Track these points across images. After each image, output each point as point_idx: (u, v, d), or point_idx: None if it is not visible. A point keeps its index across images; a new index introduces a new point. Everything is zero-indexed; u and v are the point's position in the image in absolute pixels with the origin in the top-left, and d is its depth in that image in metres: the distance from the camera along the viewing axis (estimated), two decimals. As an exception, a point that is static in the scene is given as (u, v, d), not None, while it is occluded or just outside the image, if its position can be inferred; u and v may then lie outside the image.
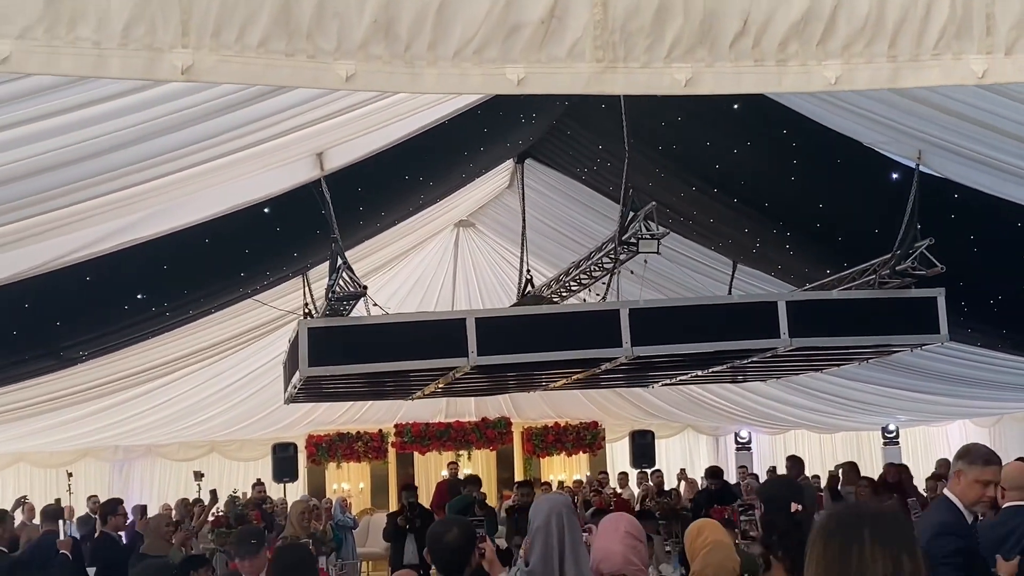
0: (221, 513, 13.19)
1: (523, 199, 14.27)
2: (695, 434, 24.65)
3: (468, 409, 22.61)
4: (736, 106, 10.83)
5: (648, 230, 10.06)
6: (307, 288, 13.63)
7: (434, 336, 10.16)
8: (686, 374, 13.28)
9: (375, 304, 10.68)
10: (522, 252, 14.24)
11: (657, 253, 10.32)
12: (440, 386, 11.96)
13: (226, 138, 8.35)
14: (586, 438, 23.44)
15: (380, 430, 22.59)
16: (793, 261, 13.26)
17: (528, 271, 14.22)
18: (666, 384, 15.53)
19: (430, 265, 18.57)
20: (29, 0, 2.41)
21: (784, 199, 11.90)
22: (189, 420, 19.83)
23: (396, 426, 22.56)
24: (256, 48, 2.50)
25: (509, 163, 14.63)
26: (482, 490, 15.44)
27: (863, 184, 11.11)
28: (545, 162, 14.22)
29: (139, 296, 10.77)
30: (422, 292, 18.56)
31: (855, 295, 10.64)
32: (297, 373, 10.06)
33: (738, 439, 24.08)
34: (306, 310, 13.58)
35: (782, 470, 21.86)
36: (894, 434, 23.22)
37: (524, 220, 14.29)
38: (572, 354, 10.37)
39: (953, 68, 2.60)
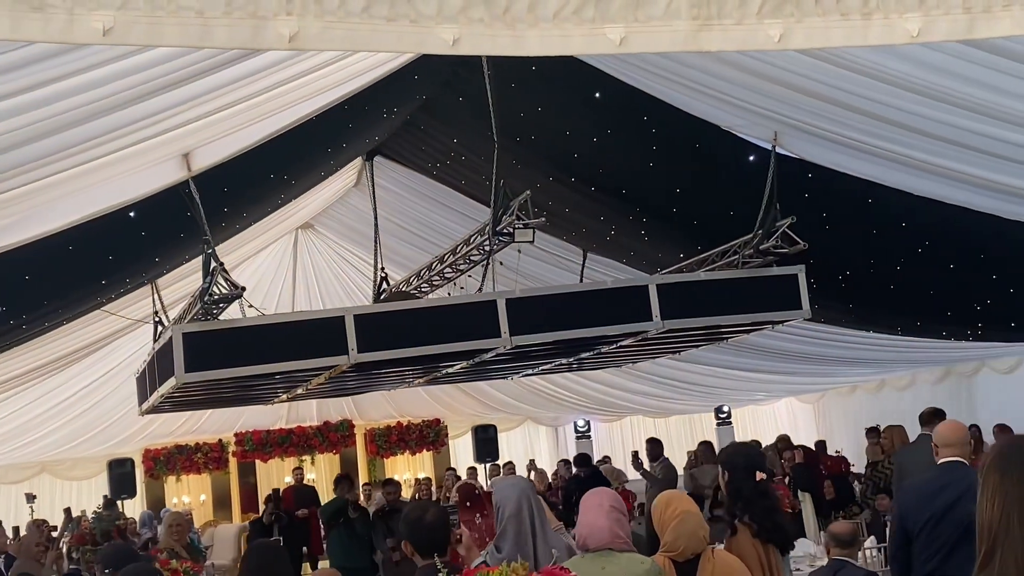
0: (75, 533, 12.71)
1: (374, 197, 14.16)
2: (535, 426, 24.91)
3: (309, 414, 22.34)
4: (598, 95, 11.02)
5: (522, 220, 10.10)
6: (156, 295, 13.27)
7: (313, 335, 9.98)
8: (556, 362, 13.41)
9: (250, 305, 10.44)
10: (376, 250, 14.13)
11: (531, 243, 10.39)
12: (317, 384, 11.77)
13: (90, 145, 8.06)
14: (429, 436, 23.46)
15: (220, 440, 22.11)
16: (647, 247, 13.54)
17: (383, 269, 14.12)
18: (539, 373, 15.66)
19: (269, 269, 18.27)
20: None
21: (641, 185, 12.13)
22: (18, 441, 19.05)
23: (236, 435, 22.13)
24: (360, 14, 2.43)
25: (356, 161, 14.49)
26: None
27: (720, 167, 11.42)
28: (394, 158, 14.12)
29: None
30: (260, 298, 18.24)
31: (721, 275, 10.92)
32: (172, 380, 9.72)
33: (577, 428, 24.44)
34: (155, 318, 13.24)
35: (620, 458, 22.49)
36: (727, 414, 23.95)
37: (376, 218, 14.18)
38: (451, 347, 10.33)
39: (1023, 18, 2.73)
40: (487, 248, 10.85)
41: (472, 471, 20.24)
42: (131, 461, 20.57)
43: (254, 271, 17.76)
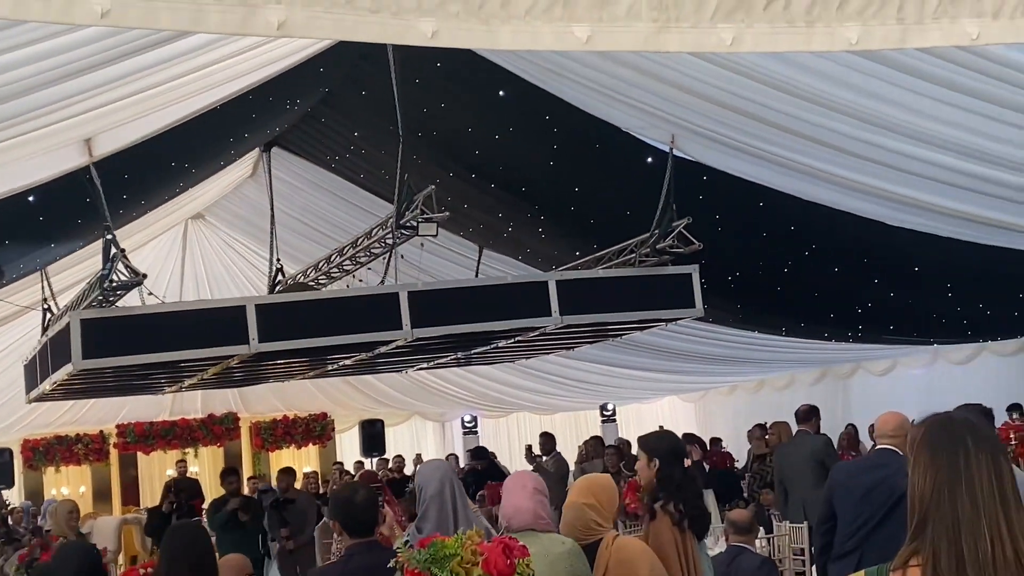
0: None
1: (271, 188, 14.12)
2: (422, 421, 25.02)
3: (193, 406, 22.09)
4: (502, 93, 11.19)
5: (426, 214, 10.19)
6: (46, 282, 13.06)
7: (213, 324, 9.95)
8: (451, 355, 13.54)
9: (150, 293, 10.37)
10: (272, 241, 14.08)
11: (435, 236, 10.51)
12: (213, 374, 11.73)
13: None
14: (315, 430, 23.40)
15: (101, 431, 21.76)
16: (543, 245, 13.75)
17: (278, 260, 14.09)
18: (434, 367, 15.75)
19: (157, 259, 18.03)
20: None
21: (541, 183, 12.34)
22: None
23: (118, 426, 21.80)
24: (344, 4, 2.54)
25: (253, 152, 14.42)
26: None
27: (618, 168, 11.67)
28: (293, 150, 14.10)
29: None
30: (148, 287, 18.01)
31: (618, 273, 11.14)
32: (68, 367, 9.61)
33: (464, 424, 24.60)
34: (45, 306, 13.03)
35: (507, 453, 22.74)
36: (612, 412, 24.34)
37: (272, 210, 14.14)
38: (352, 338, 10.40)
39: (951, 30, 2.94)
40: (389, 241, 10.91)
41: (359, 465, 20.25)
42: (9, 451, 20.12)
43: (142, 260, 17.45)
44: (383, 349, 11.27)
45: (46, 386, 11.35)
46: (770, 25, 2.78)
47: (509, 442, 24.14)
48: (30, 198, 9.74)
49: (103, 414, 21.13)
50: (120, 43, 7.14)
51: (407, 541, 4.99)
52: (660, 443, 5.49)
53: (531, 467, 15.52)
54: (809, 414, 10.99)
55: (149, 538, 15.62)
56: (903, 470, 6.64)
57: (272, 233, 14.11)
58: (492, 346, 12.51)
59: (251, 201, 16.10)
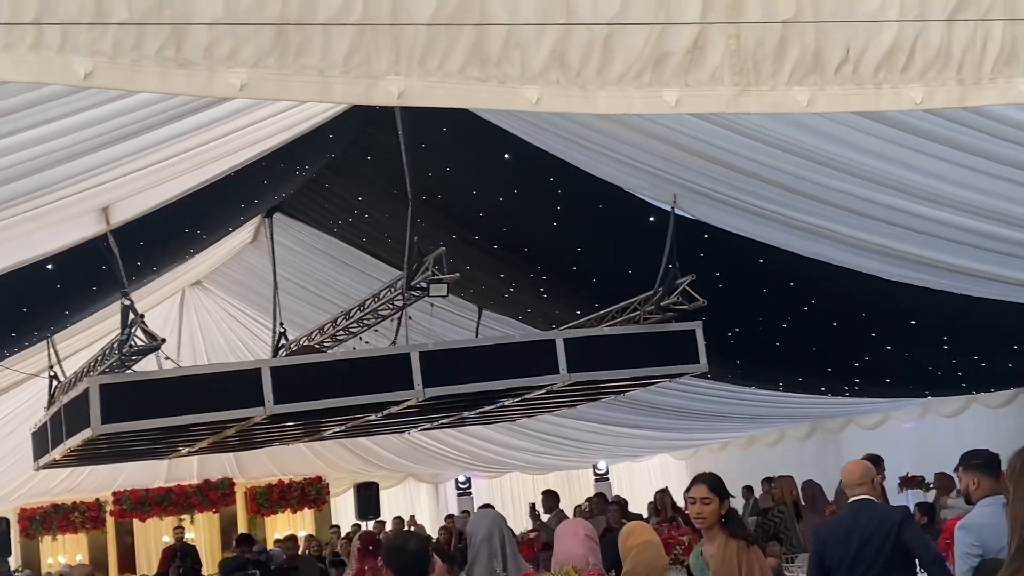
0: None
1: (273, 254, 14.30)
2: (416, 483, 25.04)
3: (189, 472, 22.10)
4: (507, 155, 11.45)
5: (437, 275, 10.39)
6: (52, 349, 13.18)
7: (229, 387, 10.12)
8: (458, 415, 13.69)
9: (167, 357, 10.52)
10: (275, 306, 14.24)
11: (445, 296, 10.70)
12: (224, 437, 11.85)
13: (17, 202, 8.15)
14: (311, 493, 23.42)
15: (97, 499, 21.75)
16: (544, 304, 13.96)
17: (281, 324, 14.24)
18: (439, 426, 15.90)
19: (154, 326, 18.08)
20: (261, 33, 2.59)
21: (544, 244, 12.57)
22: None
23: (114, 494, 21.80)
24: (456, 75, 2.75)
25: (255, 218, 14.63)
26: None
27: (620, 227, 11.91)
28: (295, 215, 14.32)
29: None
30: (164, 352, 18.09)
31: (623, 331, 11.35)
32: (87, 432, 9.73)
33: (459, 485, 24.65)
34: (51, 373, 13.15)
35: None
36: (604, 471, 24.46)
37: (275, 275, 14.31)
38: (365, 399, 10.56)
39: (1007, 89, 3.17)
40: (398, 303, 11.11)
41: (356, 528, 20.25)
42: (6, 520, 20.06)
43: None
44: (393, 409, 11.43)
45: (57, 453, 11.45)
46: (841, 87, 3.00)
47: (503, 502, 24.14)
48: (48, 266, 9.89)
49: (99, 482, 21.13)
50: (142, 117, 7.38)
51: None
52: (723, 484, 5.74)
53: (533, 525, 15.65)
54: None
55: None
56: (889, 520, 6.83)
57: (275, 298, 14.27)
58: (497, 405, 12.67)
59: (250, 267, 16.29)
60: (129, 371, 10.20)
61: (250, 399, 10.01)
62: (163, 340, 9.78)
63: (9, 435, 17.98)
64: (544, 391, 11.63)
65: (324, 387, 10.39)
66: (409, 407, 11.30)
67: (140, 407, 9.74)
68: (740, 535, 5.45)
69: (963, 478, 6.60)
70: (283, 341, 14.20)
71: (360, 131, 11.69)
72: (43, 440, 12.18)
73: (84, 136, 7.31)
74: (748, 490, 17.91)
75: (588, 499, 16.28)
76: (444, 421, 14.64)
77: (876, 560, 6.57)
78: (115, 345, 10.16)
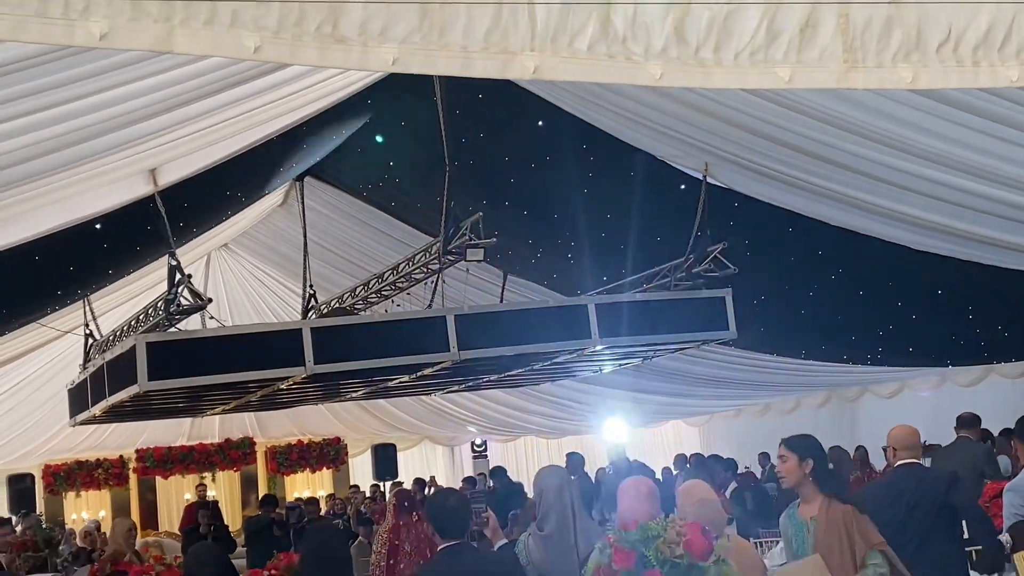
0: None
1: (304, 217, 14.48)
2: (432, 445, 25.33)
3: (211, 431, 22.40)
4: (541, 123, 11.61)
5: (473, 240, 10.59)
6: (88, 308, 13.41)
7: (271, 346, 10.33)
8: (485, 379, 13.92)
9: (212, 317, 10.74)
10: (305, 268, 14.42)
11: (481, 261, 10.91)
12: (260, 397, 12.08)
13: (74, 165, 8.34)
14: (329, 454, 23.72)
15: (121, 456, 22.06)
16: (572, 270, 14.14)
17: (311, 286, 14.43)
18: (468, 389, 16.16)
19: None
20: (410, 12, 2.79)
21: (574, 210, 12.73)
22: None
23: (137, 451, 22.10)
24: (586, 52, 2.94)
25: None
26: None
27: (651, 195, 12.07)
28: (326, 180, 14.49)
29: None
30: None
31: (654, 296, 11.56)
32: (133, 388, 9.95)
33: (474, 447, 24.93)
34: (87, 330, 13.39)
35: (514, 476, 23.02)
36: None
37: (305, 238, 14.49)
38: (403, 360, 10.78)
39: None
40: (434, 266, 11.31)
41: (375, 488, 20.54)
42: (31, 476, 20.42)
43: (160, 288, 17.83)
44: (427, 371, 11.66)
45: (98, 409, 11.68)
46: (942, 65, 3.17)
47: (517, 465, 24.44)
48: (97, 225, 10.09)
49: (122, 439, 21.41)
50: (200, 84, 7.57)
51: (523, 539, 5.40)
52: (810, 443, 5.85)
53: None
54: (973, 421, 10.70)
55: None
56: (938, 483, 7.00)
57: (305, 261, 14.45)
58: (527, 368, 12.88)
59: (278, 230, 16.45)
60: (174, 329, 10.41)
61: (291, 359, 10.23)
62: (209, 300, 10.00)
63: (34, 393, 18.24)
64: (575, 355, 11.84)
65: (362, 348, 10.60)
66: (442, 369, 11.52)
67: (185, 365, 9.96)
68: (840, 498, 5.54)
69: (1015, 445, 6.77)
70: (313, 303, 14.40)
71: (395, 97, 11.84)
72: (82, 397, 12.40)
73: (141, 103, 7.49)
74: (764, 456, 18.13)
75: (609, 463, 16.51)
76: (471, 384, 14.86)
77: (925, 522, 6.79)
78: (160, 304, 10.37)
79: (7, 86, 6.07)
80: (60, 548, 12.54)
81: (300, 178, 14.48)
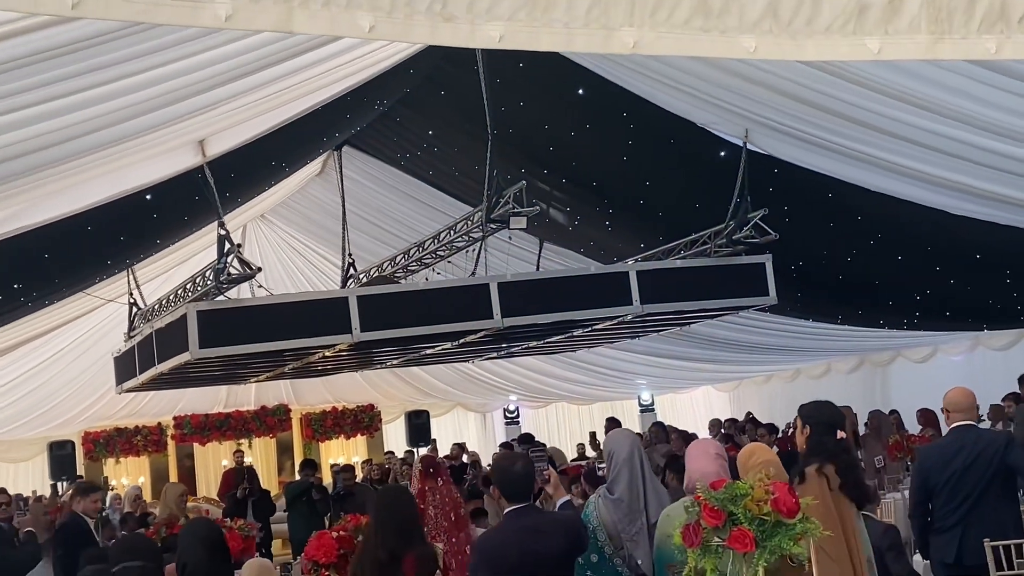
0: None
1: (342, 186, 14.61)
2: (464, 412, 25.52)
3: (247, 398, 22.64)
4: (581, 91, 11.68)
5: (516, 209, 10.68)
6: (132, 278, 13.60)
7: (318, 314, 10.48)
8: (525, 345, 14.06)
9: (260, 286, 10.89)
10: (344, 236, 14.57)
11: (524, 229, 11.01)
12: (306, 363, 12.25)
13: (124, 140, 8.48)
14: (363, 421, 23.96)
15: (159, 423, 22.35)
16: (609, 237, 14.23)
17: (350, 255, 14.57)
18: (509, 355, 16.32)
19: (211, 256, 18.48)
20: (510, -10, 2.92)
21: (612, 178, 12.83)
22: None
23: (175, 418, 22.39)
24: (682, 26, 3.05)
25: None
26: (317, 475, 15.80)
27: (691, 162, 12.16)
28: (364, 149, 14.59)
29: (15, 286, 10.59)
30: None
31: (695, 263, 11.65)
32: (184, 356, 10.12)
33: (507, 413, 25.15)
34: (131, 299, 13.58)
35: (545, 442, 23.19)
36: (649, 402, 24.86)
37: (344, 207, 14.62)
38: (447, 327, 10.92)
39: None
40: (476, 235, 11.41)
41: (409, 454, 20.74)
42: (71, 443, 20.76)
43: (203, 258, 17.99)
44: (469, 338, 11.80)
45: (146, 376, 11.87)
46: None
47: (548, 431, 24.64)
48: (147, 196, 10.24)
49: (160, 407, 21.68)
50: (253, 58, 7.69)
51: (594, 500, 5.53)
52: (814, 411, 5.91)
53: (595, 453, 16.03)
54: None
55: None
56: (994, 444, 7.07)
57: (344, 229, 14.59)
58: (567, 335, 13.01)
59: (314, 199, 16.58)
60: (222, 298, 10.57)
61: (338, 326, 10.39)
62: (259, 269, 10.13)
63: (74, 361, 18.49)
64: (616, 322, 11.95)
65: (407, 316, 10.74)
66: (484, 336, 11.66)
67: (234, 333, 10.13)
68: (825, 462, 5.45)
69: None
70: (351, 272, 14.54)
71: (436, 67, 11.92)
72: (129, 365, 12.59)
73: (195, 78, 7.62)
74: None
75: (649, 428, 16.65)
76: (510, 350, 15.00)
77: (980, 482, 6.93)
78: (209, 272, 10.52)
79: (67, 64, 6.20)
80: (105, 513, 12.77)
81: (338, 147, 14.60)
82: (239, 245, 10.10)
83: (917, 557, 7.91)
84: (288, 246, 18.60)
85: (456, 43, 2.98)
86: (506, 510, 5.47)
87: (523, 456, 5.74)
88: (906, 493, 11.31)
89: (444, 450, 20.80)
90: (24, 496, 18.30)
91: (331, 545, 6.35)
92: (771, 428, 15.41)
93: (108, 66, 6.58)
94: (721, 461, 5.33)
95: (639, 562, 5.57)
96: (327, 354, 11.84)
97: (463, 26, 2.91)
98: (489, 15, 2.90)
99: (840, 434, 5.68)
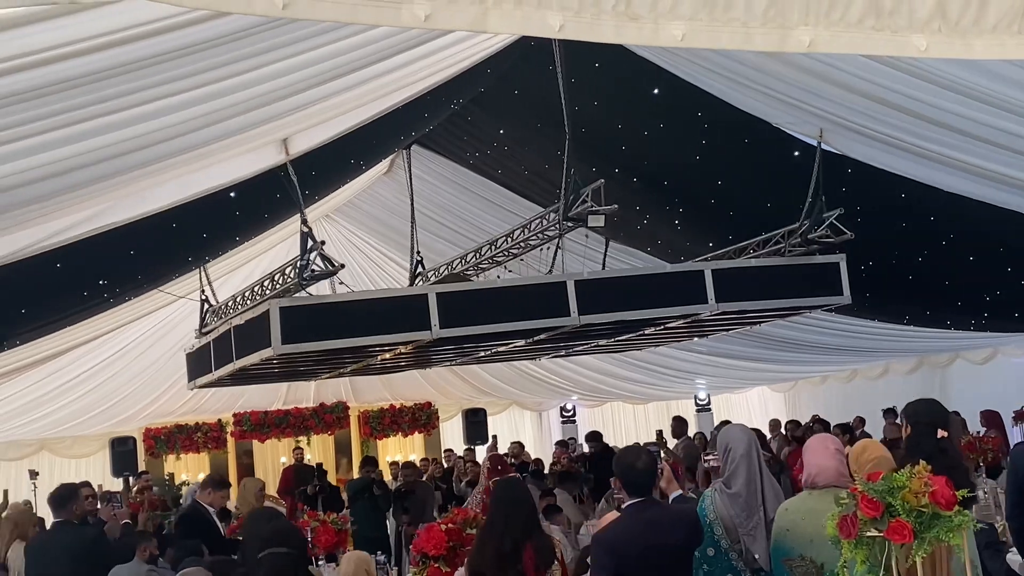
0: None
1: (411, 185, 14.72)
2: (520, 410, 25.62)
3: (307, 395, 22.84)
4: (656, 91, 11.73)
5: (593, 207, 10.75)
6: (205, 275, 13.77)
7: (398, 311, 10.58)
8: (594, 343, 14.12)
9: (341, 282, 11.02)
10: (412, 237, 14.68)
11: (602, 227, 11.08)
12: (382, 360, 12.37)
13: (212, 141, 8.60)
14: (421, 418, 24.10)
15: (219, 420, 22.59)
16: (677, 237, 14.27)
17: (419, 252, 14.69)
18: (572, 354, 16.40)
19: (277, 257, 18.63)
20: (694, -8, 3.00)
21: (684, 177, 12.86)
22: (21, 419, 19.36)
23: (235, 415, 22.62)
24: (855, 24, 3.12)
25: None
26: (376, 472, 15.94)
27: (764, 162, 12.17)
28: (433, 148, 14.69)
29: (101, 282, 10.76)
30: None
31: (770, 262, 11.68)
32: (267, 351, 10.25)
33: (563, 412, 25.24)
34: (203, 296, 13.76)
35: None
36: (706, 401, 24.87)
37: (413, 206, 14.73)
38: (524, 324, 10.99)
39: None
40: (551, 233, 11.49)
41: (470, 451, 20.85)
42: (133, 439, 21.01)
43: (273, 258, 18.12)
44: (541, 336, 11.88)
45: (223, 372, 12.02)
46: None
47: (604, 430, 24.64)
48: (231, 194, 10.37)
49: (220, 404, 21.92)
50: (346, 61, 7.79)
51: (710, 493, 5.59)
52: (916, 410, 5.95)
53: (663, 453, 16.05)
54: None
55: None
56: None
57: (413, 228, 14.71)
58: (638, 333, 13.06)
59: (381, 198, 16.69)
60: (303, 294, 10.70)
61: (417, 323, 10.48)
62: (341, 266, 10.25)
63: (136, 359, 18.72)
64: (689, 320, 11.99)
65: (485, 312, 10.83)
66: (557, 334, 11.73)
67: (316, 329, 10.25)
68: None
69: None
70: (420, 270, 14.66)
71: (511, 66, 12.00)
72: (203, 361, 12.76)
73: (286, 81, 7.73)
74: (860, 421, 18.14)
75: (716, 427, 16.72)
76: (578, 349, 15.06)
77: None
78: (290, 269, 10.66)
79: (171, 70, 6.33)
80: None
81: (407, 146, 14.72)
82: (322, 242, 10.22)
83: (1012, 556, 7.91)
84: (351, 244, 18.72)
85: (640, 42, 3.06)
86: (626, 503, 5.56)
87: (645, 451, 5.83)
88: (982, 494, 11.38)
89: (502, 448, 20.91)
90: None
91: (440, 538, 6.45)
92: (844, 428, 15.35)
93: (211, 69, 6.70)
94: (840, 456, 5.39)
95: (756, 556, 5.63)
96: (402, 351, 11.97)
97: (647, 25, 2.98)
98: (672, 14, 2.98)
99: (941, 433, 5.69)
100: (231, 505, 11.81)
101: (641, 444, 18.44)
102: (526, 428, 25.47)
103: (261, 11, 2.77)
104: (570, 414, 25.26)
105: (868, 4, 3.08)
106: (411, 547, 7.04)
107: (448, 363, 16.35)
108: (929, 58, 8.94)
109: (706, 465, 9.93)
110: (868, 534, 3.62)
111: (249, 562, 5.67)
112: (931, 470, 5.44)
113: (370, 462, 16.15)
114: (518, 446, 18.51)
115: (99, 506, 11.80)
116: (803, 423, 18.28)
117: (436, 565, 6.39)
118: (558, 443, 19.86)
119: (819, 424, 16.50)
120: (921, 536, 3.57)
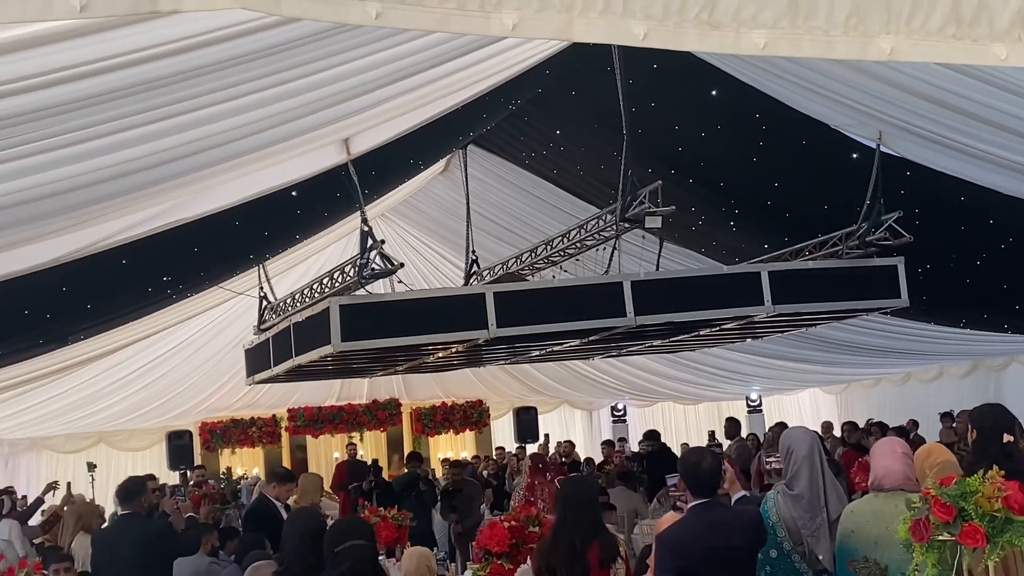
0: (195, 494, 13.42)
1: (467, 185, 14.81)
2: (570, 409, 25.69)
3: (360, 392, 23.04)
4: (714, 92, 11.74)
5: (651, 208, 10.78)
6: (263, 272, 13.92)
7: (456, 310, 10.68)
8: (648, 343, 14.16)
9: (400, 281, 11.13)
10: (468, 236, 14.76)
11: (660, 228, 11.10)
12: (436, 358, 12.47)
13: (280, 141, 8.73)
14: (472, 416, 24.22)
15: (273, 415, 22.85)
16: (731, 238, 14.26)
17: (474, 252, 14.77)
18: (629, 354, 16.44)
19: (332, 257, 18.78)
20: (776, 1, 3.05)
21: (740, 178, 12.85)
22: (80, 412, 19.67)
23: (289, 410, 22.87)
24: (936, 33, 3.16)
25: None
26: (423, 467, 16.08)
27: (822, 164, 12.14)
28: (489, 148, 14.77)
29: (165, 278, 10.94)
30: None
31: (827, 264, 11.65)
32: (326, 348, 10.37)
33: (614, 412, 25.27)
34: (261, 293, 13.92)
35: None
36: (757, 402, 24.80)
37: (468, 205, 14.82)
38: (580, 324, 11.05)
39: None
40: (607, 233, 11.53)
41: (521, 450, 20.93)
42: (189, 433, 21.28)
43: (327, 258, 18.28)
44: (595, 337, 11.93)
45: (282, 368, 12.16)
46: None
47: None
48: (293, 193, 10.51)
49: (275, 399, 22.16)
50: (410, 63, 7.89)
51: (772, 496, 5.63)
52: (981, 416, 5.94)
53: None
54: None
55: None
56: None
57: (468, 227, 14.79)
58: (692, 334, 13.07)
59: (436, 198, 16.79)
60: (362, 292, 10.82)
61: (475, 322, 10.57)
62: (401, 264, 10.35)
63: (193, 354, 18.96)
64: (744, 322, 12.00)
65: (542, 312, 10.90)
66: (613, 334, 11.77)
67: (375, 327, 10.37)
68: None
69: None
70: (475, 269, 14.73)
71: (569, 68, 12.05)
72: (262, 357, 12.91)
73: (351, 83, 7.84)
74: (913, 423, 18.00)
75: (770, 428, 16.67)
76: (632, 349, 15.10)
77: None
78: (350, 268, 10.77)
79: (242, 73, 6.45)
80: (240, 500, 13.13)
81: (464, 145, 14.80)
82: (382, 241, 10.33)
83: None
84: (405, 243, 18.83)
85: (722, 50, 3.11)
86: (690, 504, 5.61)
87: (711, 452, 5.88)
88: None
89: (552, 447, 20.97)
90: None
91: (503, 534, 6.54)
92: (898, 431, 15.28)
93: (279, 71, 6.81)
94: (907, 460, 5.40)
95: (820, 557, 5.66)
96: (456, 349, 12.05)
97: (729, 33, 3.04)
98: (754, 22, 3.03)
99: (1007, 438, 5.67)
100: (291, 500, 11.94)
101: (690, 445, 18.64)
102: (576, 427, 25.54)
103: (355, 21, 2.85)
104: (621, 414, 25.30)
105: (949, 13, 3.12)
106: (474, 544, 7.11)
107: (500, 362, 16.38)
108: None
109: (768, 467, 9.93)
110: (940, 538, 3.66)
111: (287, 558, 5.76)
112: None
113: (415, 457, 16.25)
114: (569, 445, 18.53)
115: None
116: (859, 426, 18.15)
117: (499, 562, 6.49)
118: (605, 443, 19.86)
119: (876, 427, 16.39)
120: (994, 540, 3.61)
